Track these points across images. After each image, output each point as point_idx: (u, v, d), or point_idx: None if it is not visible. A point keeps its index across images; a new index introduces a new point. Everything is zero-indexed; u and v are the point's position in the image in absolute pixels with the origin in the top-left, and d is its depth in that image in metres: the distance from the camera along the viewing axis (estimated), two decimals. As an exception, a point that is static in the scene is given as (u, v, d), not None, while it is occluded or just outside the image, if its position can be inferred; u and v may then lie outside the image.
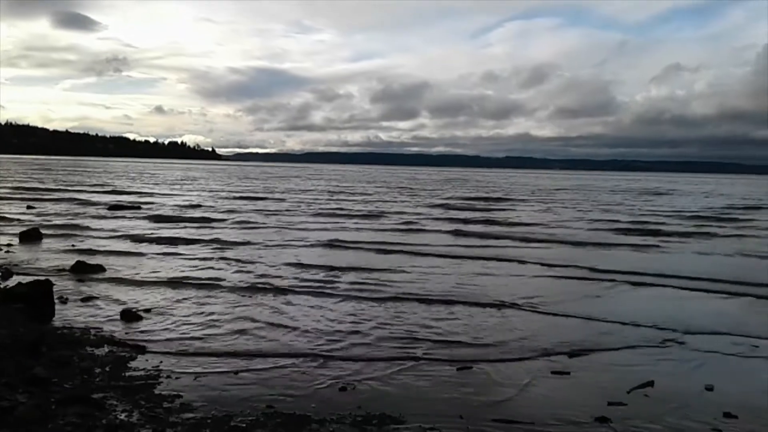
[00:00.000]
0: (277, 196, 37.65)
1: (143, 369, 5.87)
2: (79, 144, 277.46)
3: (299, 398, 5.29)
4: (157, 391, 5.28)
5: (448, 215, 26.28)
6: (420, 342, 7.08)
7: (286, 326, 7.65)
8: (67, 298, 8.68)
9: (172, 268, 11.59)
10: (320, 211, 26.63)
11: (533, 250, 15.61)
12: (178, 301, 8.89)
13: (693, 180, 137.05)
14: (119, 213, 23.20)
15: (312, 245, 15.46)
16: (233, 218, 22.33)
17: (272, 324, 7.73)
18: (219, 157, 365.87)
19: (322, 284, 10.35)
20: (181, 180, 57.40)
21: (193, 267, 11.73)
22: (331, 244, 15.56)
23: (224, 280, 10.52)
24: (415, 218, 24.06)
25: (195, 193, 38.79)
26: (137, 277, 10.59)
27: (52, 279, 8.75)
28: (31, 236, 15.17)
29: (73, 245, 14.44)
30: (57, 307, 8.05)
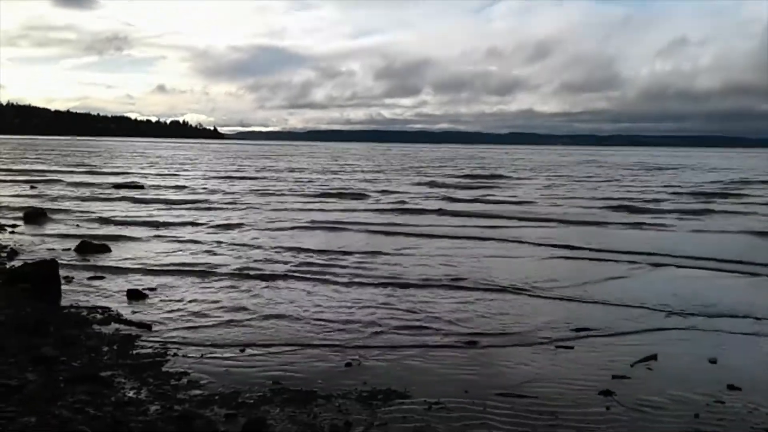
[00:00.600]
0: (276, 175, 37.46)
1: (150, 347, 5.91)
2: (81, 124, 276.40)
3: (305, 375, 5.32)
4: (164, 369, 5.32)
5: (455, 195, 26.15)
6: (426, 322, 7.06)
7: (289, 305, 7.70)
8: (72, 278, 8.72)
9: (176, 249, 11.62)
10: (322, 191, 26.34)
11: (534, 230, 15.54)
12: (183, 280, 8.93)
13: (699, 154, 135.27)
14: (123, 193, 23.24)
15: (311, 228, 15.19)
16: (233, 199, 22.31)
17: (277, 302, 7.78)
18: (221, 136, 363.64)
19: (322, 267, 10.05)
20: (181, 162, 57.13)
21: (197, 248, 11.72)
22: (334, 227, 15.16)
23: (228, 261, 10.54)
24: (411, 198, 23.85)
25: (200, 173, 38.75)
26: (143, 257, 10.64)
27: (57, 259, 8.81)
28: (36, 217, 15.23)
29: (77, 225, 14.51)
30: (63, 286, 8.09)
